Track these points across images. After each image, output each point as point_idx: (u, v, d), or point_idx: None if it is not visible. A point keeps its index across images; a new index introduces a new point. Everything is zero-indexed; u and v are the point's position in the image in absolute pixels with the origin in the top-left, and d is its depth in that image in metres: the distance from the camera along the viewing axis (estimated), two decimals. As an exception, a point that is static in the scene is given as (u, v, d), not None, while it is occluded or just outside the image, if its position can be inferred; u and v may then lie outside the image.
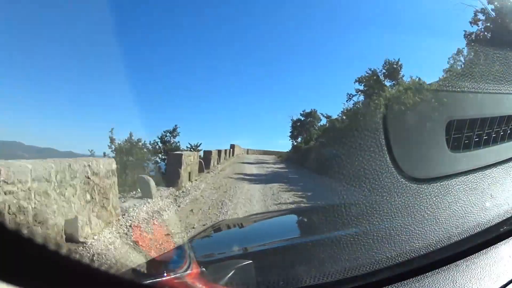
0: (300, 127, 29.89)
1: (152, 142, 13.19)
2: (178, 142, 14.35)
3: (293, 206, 7.19)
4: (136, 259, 3.89)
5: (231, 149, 25.50)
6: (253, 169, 16.24)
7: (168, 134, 14.09)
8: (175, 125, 14.32)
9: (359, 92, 15.73)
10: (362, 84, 15.56)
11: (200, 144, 15.66)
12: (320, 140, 17.52)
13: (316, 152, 16.60)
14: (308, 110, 29.59)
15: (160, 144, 13.92)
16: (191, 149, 14.37)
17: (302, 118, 30.15)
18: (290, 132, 30.39)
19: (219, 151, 18.64)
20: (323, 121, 22.95)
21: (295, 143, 27.81)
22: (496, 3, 12.53)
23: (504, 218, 1.13)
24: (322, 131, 19.26)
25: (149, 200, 6.97)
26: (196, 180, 10.64)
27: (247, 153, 36.92)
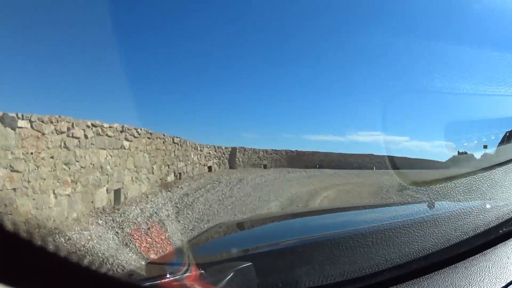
0: None
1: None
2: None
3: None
4: (135, 261, 3.88)
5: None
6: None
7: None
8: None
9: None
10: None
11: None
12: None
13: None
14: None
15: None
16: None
17: None
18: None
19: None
20: None
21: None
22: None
23: (503, 220, 1.14)
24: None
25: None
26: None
27: (238, 162, 16.27)
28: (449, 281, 0.90)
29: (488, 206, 1.34)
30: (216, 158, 15.10)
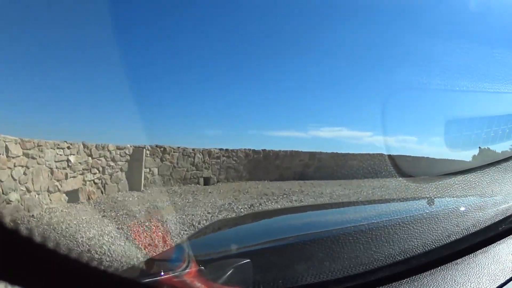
0: None
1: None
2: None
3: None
4: (135, 258, 3.89)
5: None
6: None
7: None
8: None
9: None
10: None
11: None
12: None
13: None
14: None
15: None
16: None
17: None
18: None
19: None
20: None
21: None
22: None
23: (502, 216, 1.14)
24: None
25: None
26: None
27: (148, 175, 8.16)
28: (449, 277, 0.90)
29: (463, 209, 1.34)
30: (95, 170, 7.35)
